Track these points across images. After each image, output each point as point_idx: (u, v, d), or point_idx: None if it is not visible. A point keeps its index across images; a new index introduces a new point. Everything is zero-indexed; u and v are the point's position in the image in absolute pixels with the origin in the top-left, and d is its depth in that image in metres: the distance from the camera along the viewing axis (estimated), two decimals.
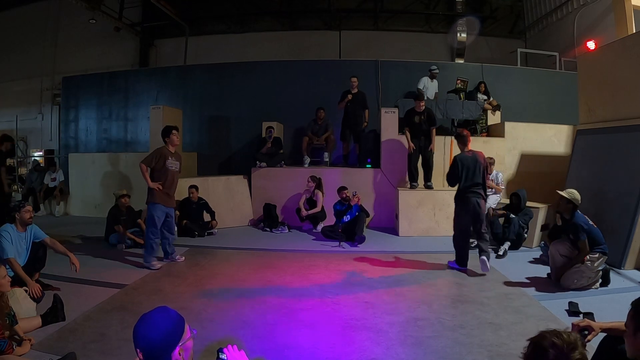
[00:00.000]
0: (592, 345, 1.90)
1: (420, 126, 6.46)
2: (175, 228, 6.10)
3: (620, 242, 4.53)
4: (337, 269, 4.56)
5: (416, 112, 6.47)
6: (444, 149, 7.09)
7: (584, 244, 3.78)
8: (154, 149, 4.83)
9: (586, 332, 1.86)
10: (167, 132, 4.71)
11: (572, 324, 1.93)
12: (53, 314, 2.98)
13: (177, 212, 6.40)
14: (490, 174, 6.26)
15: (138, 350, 1.31)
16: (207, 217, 6.59)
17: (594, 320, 2.08)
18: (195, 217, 6.42)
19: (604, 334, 1.93)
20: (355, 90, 7.46)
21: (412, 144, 6.48)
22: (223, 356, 1.46)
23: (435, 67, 8.18)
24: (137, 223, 5.87)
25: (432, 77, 8.16)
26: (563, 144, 7.37)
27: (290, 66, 9.36)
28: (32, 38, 13.22)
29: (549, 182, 6.72)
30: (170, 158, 4.65)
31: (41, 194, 8.60)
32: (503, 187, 6.22)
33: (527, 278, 4.20)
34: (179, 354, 1.33)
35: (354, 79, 7.48)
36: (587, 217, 3.95)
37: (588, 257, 3.76)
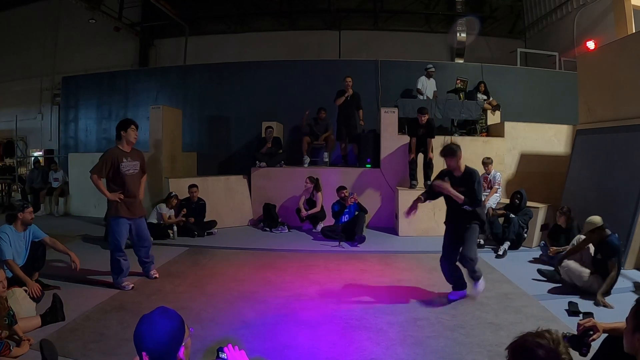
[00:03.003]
0: (594, 345, 1.90)
1: (423, 137, 6.55)
2: (175, 228, 6.13)
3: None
4: (337, 269, 4.56)
5: (419, 125, 6.52)
6: None
7: (613, 265, 3.62)
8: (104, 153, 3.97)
9: (591, 332, 1.86)
10: (124, 125, 3.89)
11: (578, 324, 1.92)
12: (52, 314, 2.98)
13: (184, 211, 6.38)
14: (489, 174, 6.28)
15: (144, 353, 1.27)
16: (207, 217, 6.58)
17: None
18: (194, 217, 6.40)
19: (606, 334, 1.93)
20: (350, 91, 7.45)
21: (412, 154, 6.55)
22: (223, 355, 1.46)
23: (431, 65, 8.19)
24: None
25: (428, 75, 8.18)
26: (563, 144, 7.37)
27: (290, 66, 9.36)
28: (32, 38, 13.21)
29: (549, 182, 6.74)
30: (125, 160, 3.87)
31: (44, 193, 8.60)
32: (498, 187, 6.21)
33: (527, 278, 4.20)
34: (183, 353, 1.33)
35: (349, 79, 7.45)
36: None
37: (593, 277, 3.71)
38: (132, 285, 3.88)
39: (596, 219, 3.71)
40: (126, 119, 4.10)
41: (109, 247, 3.89)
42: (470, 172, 3.52)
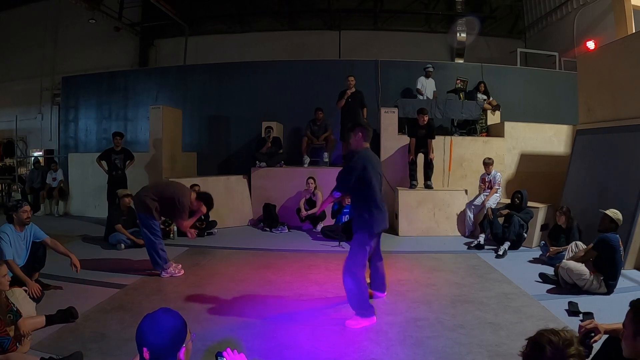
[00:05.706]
0: (595, 345, 1.90)
1: (424, 138, 6.61)
2: (175, 228, 6.13)
3: None
4: (337, 269, 4.52)
5: (419, 126, 6.56)
6: (444, 149, 7.11)
7: (591, 253, 3.77)
8: (184, 195, 4.18)
9: (592, 334, 1.87)
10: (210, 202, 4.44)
11: (580, 326, 1.93)
12: (62, 320, 2.97)
13: None
14: (488, 174, 6.28)
15: (145, 348, 1.29)
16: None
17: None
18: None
19: (607, 335, 1.93)
20: (353, 89, 7.45)
21: (412, 154, 6.60)
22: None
23: (429, 65, 8.22)
24: (137, 223, 5.84)
25: (427, 75, 8.19)
26: (563, 144, 7.37)
27: (290, 66, 9.36)
28: (32, 38, 13.21)
29: (549, 182, 6.74)
30: None
31: (44, 194, 8.60)
32: (498, 187, 6.22)
33: (527, 278, 4.20)
34: (184, 355, 1.34)
35: (351, 78, 7.44)
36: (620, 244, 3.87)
37: (594, 276, 3.73)
38: (180, 266, 4.34)
39: (620, 216, 3.97)
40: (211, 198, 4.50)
41: (154, 245, 4.17)
42: (352, 152, 3.00)
